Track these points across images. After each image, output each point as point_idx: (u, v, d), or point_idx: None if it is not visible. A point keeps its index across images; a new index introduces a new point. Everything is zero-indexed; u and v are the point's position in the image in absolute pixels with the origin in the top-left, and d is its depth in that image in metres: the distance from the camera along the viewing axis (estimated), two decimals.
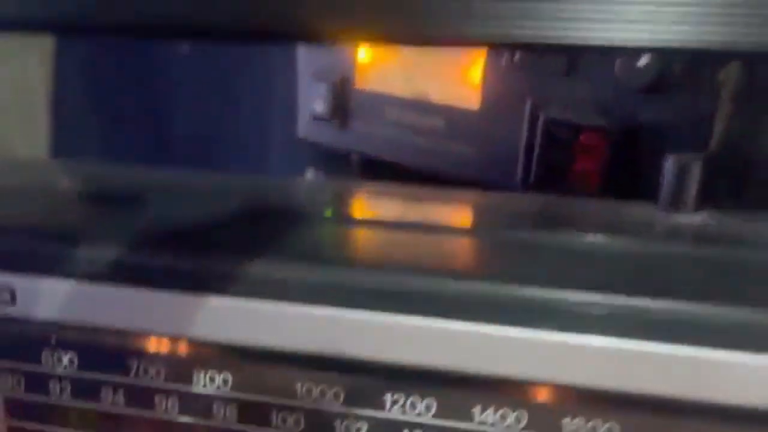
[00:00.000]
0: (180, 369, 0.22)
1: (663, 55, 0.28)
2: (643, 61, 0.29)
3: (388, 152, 0.42)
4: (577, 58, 0.32)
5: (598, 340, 0.19)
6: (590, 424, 0.20)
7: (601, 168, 0.32)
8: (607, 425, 0.20)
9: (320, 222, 0.26)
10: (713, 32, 0.20)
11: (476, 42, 0.24)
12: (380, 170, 0.44)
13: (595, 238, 0.24)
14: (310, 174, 0.47)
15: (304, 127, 0.46)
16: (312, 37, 0.25)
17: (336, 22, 0.21)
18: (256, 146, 0.54)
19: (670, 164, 0.25)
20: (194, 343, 0.22)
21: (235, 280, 0.22)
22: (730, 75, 0.30)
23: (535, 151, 0.34)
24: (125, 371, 0.22)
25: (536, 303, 0.20)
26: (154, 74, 0.62)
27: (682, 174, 0.25)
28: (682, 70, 0.29)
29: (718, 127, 0.29)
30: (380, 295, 0.20)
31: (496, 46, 0.32)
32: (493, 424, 0.21)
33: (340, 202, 0.31)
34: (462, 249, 0.25)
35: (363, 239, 0.25)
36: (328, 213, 0.28)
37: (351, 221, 0.27)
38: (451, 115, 0.38)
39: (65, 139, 0.60)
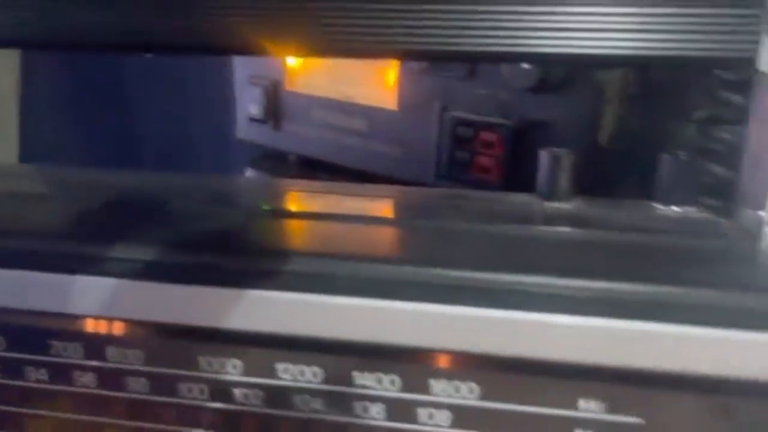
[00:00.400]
0: (95, 346, 0.25)
1: (545, 62, 0.31)
2: (527, 64, 0.32)
3: (318, 151, 0.45)
4: (477, 63, 0.35)
5: (469, 310, 0.22)
6: (453, 383, 0.23)
7: (499, 162, 0.35)
8: (467, 385, 0.23)
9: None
10: (593, 42, 0.24)
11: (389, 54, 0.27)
12: (315, 169, 0.47)
13: (480, 226, 0.27)
14: (248, 173, 0.49)
15: (241, 129, 0.48)
16: (245, 51, 0.28)
17: (267, 38, 0.24)
18: (198, 147, 0.57)
19: (544, 158, 0.28)
20: (108, 321, 0.24)
21: (148, 265, 0.24)
22: (611, 77, 0.34)
23: (444, 148, 0.37)
24: (46, 351, 0.25)
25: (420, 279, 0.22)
26: (106, 80, 0.65)
27: (554, 166, 0.28)
28: (563, 72, 0.32)
29: (597, 123, 0.32)
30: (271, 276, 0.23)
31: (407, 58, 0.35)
32: (371, 387, 0.23)
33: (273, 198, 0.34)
34: (369, 237, 0.27)
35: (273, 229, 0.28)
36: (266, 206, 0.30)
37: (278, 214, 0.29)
38: (373, 115, 0.41)
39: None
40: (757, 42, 0.22)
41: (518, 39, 0.24)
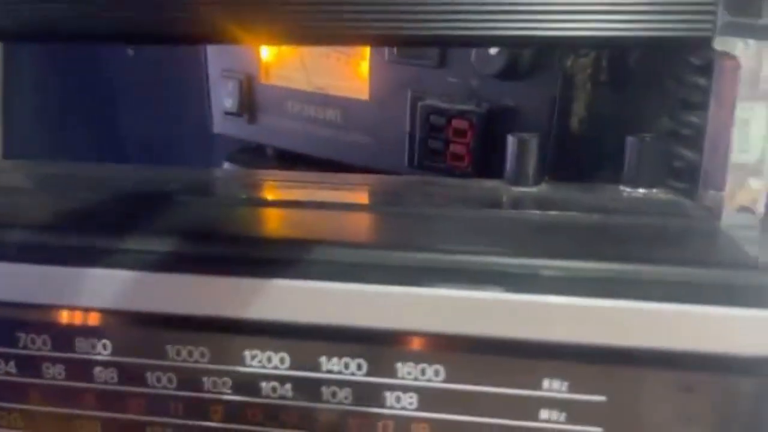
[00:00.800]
0: (63, 337, 0.25)
1: (511, 45, 0.31)
2: (494, 50, 0.32)
3: (293, 143, 0.45)
4: (447, 51, 0.35)
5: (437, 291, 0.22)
6: (420, 366, 0.23)
7: (470, 149, 0.35)
8: (433, 367, 0.23)
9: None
10: (556, 24, 0.24)
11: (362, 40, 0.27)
12: (292, 161, 0.47)
13: (446, 210, 0.27)
14: (226, 167, 0.49)
15: (218, 123, 0.48)
16: (217, 40, 0.28)
17: (239, 27, 0.24)
18: (178, 143, 0.57)
19: (510, 143, 0.28)
20: (77, 311, 0.25)
21: (113, 254, 0.24)
22: (581, 63, 0.34)
23: (417, 137, 0.37)
24: (14, 343, 0.25)
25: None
26: (87, 77, 0.65)
27: (521, 151, 0.28)
28: (531, 59, 0.33)
29: (567, 108, 0.33)
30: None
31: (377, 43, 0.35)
32: (339, 372, 0.23)
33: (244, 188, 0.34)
34: (334, 223, 0.28)
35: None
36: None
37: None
38: (346, 106, 0.41)
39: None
40: (714, 22, 0.23)
41: (485, 23, 0.24)
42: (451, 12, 0.24)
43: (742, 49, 0.23)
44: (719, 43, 0.23)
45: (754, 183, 0.24)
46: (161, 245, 0.24)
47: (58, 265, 0.24)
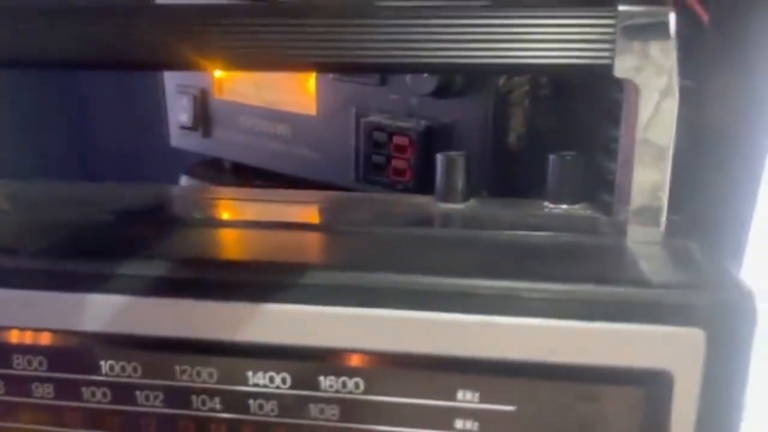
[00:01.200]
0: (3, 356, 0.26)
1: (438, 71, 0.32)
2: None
3: (246, 157, 0.46)
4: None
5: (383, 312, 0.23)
6: (341, 380, 0.24)
7: (410, 164, 0.36)
8: (354, 380, 0.24)
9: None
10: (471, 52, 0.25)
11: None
12: (249, 174, 0.48)
13: (371, 228, 0.28)
14: (184, 180, 0.50)
15: (174, 137, 0.49)
16: (169, 66, 0.30)
17: (190, 54, 0.26)
18: (140, 156, 0.58)
19: (439, 161, 0.30)
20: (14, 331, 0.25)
21: (57, 276, 0.25)
22: (517, 82, 0.35)
23: (361, 152, 0.39)
24: None
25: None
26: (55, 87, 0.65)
27: (449, 169, 0.30)
28: (465, 78, 0.34)
29: (501, 125, 0.34)
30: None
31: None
32: (264, 386, 0.25)
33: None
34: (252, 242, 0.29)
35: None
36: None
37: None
38: (295, 121, 0.42)
39: None
40: (613, 50, 0.24)
41: (416, 51, 0.25)
42: (387, 41, 0.25)
43: (640, 74, 0.24)
44: (619, 71, 0.24)
45: (658, 199, 0.25)
46: (109, 268, 0.25)
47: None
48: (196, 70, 0.27)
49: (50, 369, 0.26)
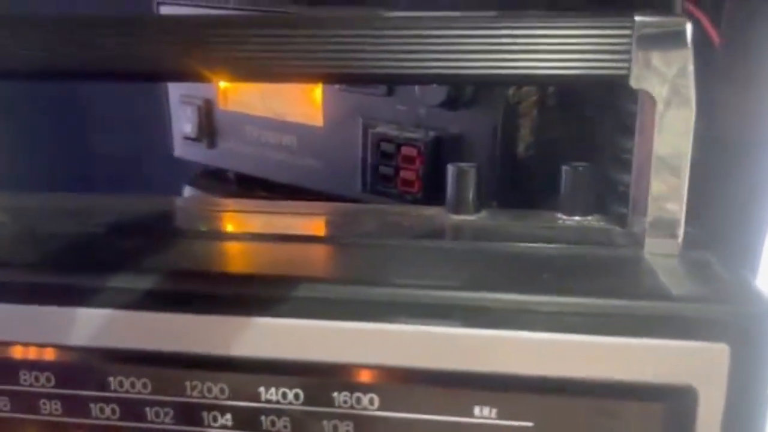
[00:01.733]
0: (8, 371, 0.25)
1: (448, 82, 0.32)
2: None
3: (251, 168, 0.45)
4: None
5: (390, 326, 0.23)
6: (355, 395, 0.24)
7: (419, 175, 0.36)
8: (368, 396, 0.24)
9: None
10: (487, 63, 0.25)
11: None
12: (253, 185, 0.48)
13: (382, 240, 0.28)
14: (187, 191, 0.50)
15: (178, 147, 0.49)
16: (177, 77, 0.29)
17: (197, 65, 0.25)
18: (143, 166, 0.58)
19: (450, 172, 0.29)
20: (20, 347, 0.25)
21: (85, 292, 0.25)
22: (526, 92, 0.35)
23: (368, 163, 0.38)
24: None
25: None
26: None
27: (460, 180, 0.29)
28: (474, 89, 0.34)
29: (511, 136, 0.34)
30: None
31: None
32: (277, 401, 0.24)
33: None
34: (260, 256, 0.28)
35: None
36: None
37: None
38: (302, 132, 0.42)
39: None
40: (630, 60, 0.24)
41: (428, 62, 0.25)
42: (399, 52, 0.25)
43: (656, 84, 0.24)
44: (635, 81, 0.24)
45: (675, 211, 0.25)
46: (112, 282, 0.25)
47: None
48: (202, 81, 0.27)
49: (57, 385, 0.25)
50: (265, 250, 0.28)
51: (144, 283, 0.24)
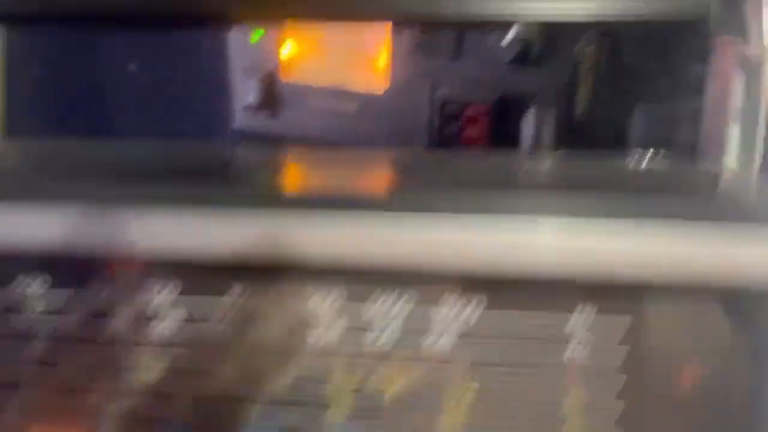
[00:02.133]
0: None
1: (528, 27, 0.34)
2: (509, 37, 0.36)
3: (314, 137, 0.48)
4: (461, 44, 0.39)
5: None
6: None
7: (485, 135, 0.39)
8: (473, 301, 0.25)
9: None
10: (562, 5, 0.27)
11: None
12: None
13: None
14: None
15: (239, 119, 0.51)
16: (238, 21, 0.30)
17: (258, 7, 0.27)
18: (197, 137, 0.59)
19: (527, 117, 0.32)
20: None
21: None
22: (587, 48, 0.37)
23: (435, 126, 0.41)
24: None
25: None
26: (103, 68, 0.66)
27: (538, 125, 0.32)
28: (541, 46, 0.36)
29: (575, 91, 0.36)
30: None
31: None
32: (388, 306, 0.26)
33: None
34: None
35: None
36: None
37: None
38: (365, 99, 0.44)
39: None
40: (709, 4, 0.26)
41: (499, 5, 0.27)
42: None
43: (734, 26, 0.26)
44: (714, 22, 0.26)
45: (753, 148, 0.27)
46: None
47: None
48: (265, 23, 0.28)
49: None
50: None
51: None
